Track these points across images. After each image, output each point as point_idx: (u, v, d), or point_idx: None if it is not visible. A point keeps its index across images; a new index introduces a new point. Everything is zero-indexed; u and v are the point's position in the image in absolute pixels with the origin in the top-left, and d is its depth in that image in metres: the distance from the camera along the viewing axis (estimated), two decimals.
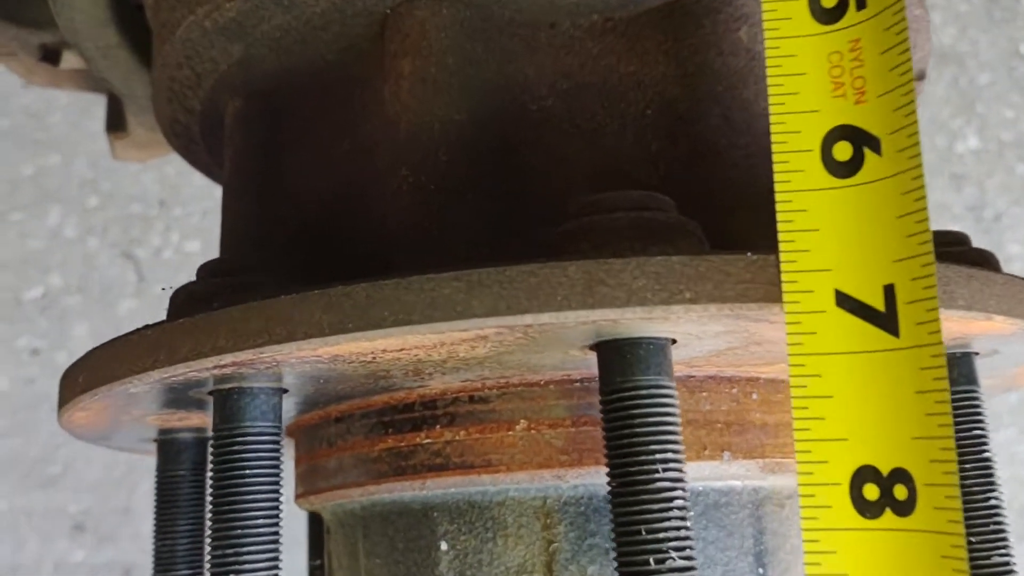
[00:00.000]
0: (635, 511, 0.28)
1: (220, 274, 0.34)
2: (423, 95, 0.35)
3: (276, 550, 0.32)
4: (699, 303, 0.27)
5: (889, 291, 0.27)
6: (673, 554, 0.28)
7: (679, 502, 0.28)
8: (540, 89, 0.37)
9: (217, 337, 0.29)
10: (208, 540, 0.32)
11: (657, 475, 0.28)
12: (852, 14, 0.28)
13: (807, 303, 0.27)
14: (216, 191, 1.23)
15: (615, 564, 0.29)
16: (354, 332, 0.27)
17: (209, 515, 0.32)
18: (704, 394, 0.36)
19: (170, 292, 0.34)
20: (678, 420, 0.30)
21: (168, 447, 0.44)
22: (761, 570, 0.37)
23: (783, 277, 0.27)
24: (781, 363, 0.36)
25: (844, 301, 0.27)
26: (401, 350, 0.29)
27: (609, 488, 0.29)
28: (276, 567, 0.32)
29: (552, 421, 0.35)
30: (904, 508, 0.26)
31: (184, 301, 0.33)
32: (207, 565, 0.32)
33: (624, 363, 0.29)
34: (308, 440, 0.41)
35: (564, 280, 0.27)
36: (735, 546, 0.36)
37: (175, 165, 1.21)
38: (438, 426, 0.36)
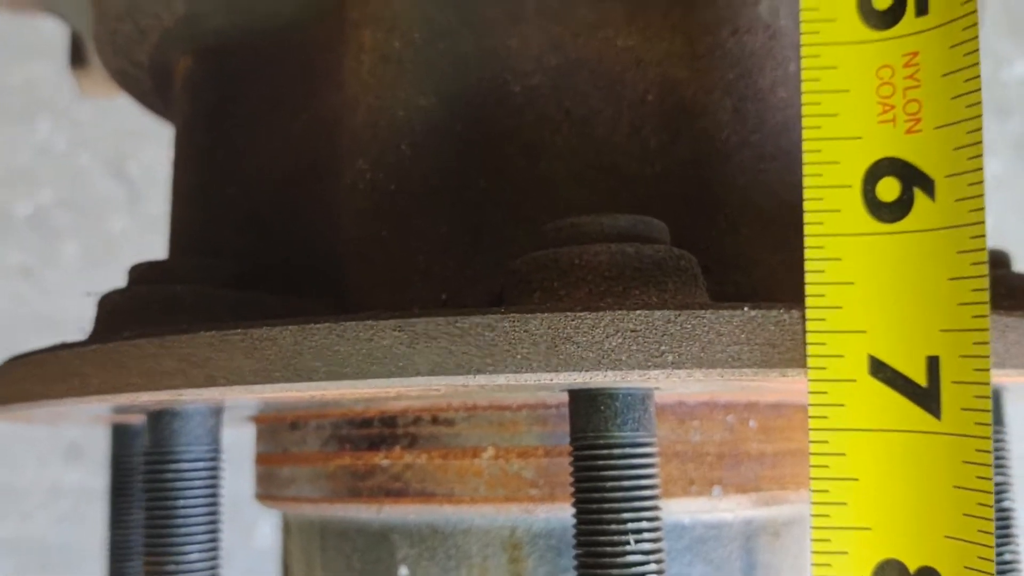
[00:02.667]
0: None
1: (150, 280, 0.30)
2: (384, 75, 0.31)
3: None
4: (682, 368, 0.23)
5: (933, 364, 0.22)
6: None
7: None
8: (525, 64, 0.32)
9: (129, 374, 0.25)
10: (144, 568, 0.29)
11: (628, 548, 0.25)
12: (911, 20, 0.23)
13: (835, 370, 0.23)
14: None
15: None
16: (280, 383, 0.24)
17: (144, 550, 0.29)
18: (695, 423, 0.33)
19: (96, 297, 0.30)
20: (656, 483, 0.26)
21: (121, 432, 0.41)
22: None
23: (808, 338, 0.23)
24: (784, 386, 0.32)
25: (880, 370, 0.23)
26: (339, 393, 0.26)
27: (575, 557, 0.26)
28: None
29: (522, 450, 0.32)
30: None
31: (109, 314, 0.29)
32: None
33: (598, 416, 0.26)
34: (265, 439, 0.38)
35: (524, 336, 0.23)
36: None
37: None
38: (397, 447, 0.33)
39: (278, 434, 0.37)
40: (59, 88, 1.11)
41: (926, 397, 0.23)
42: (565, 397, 0.31)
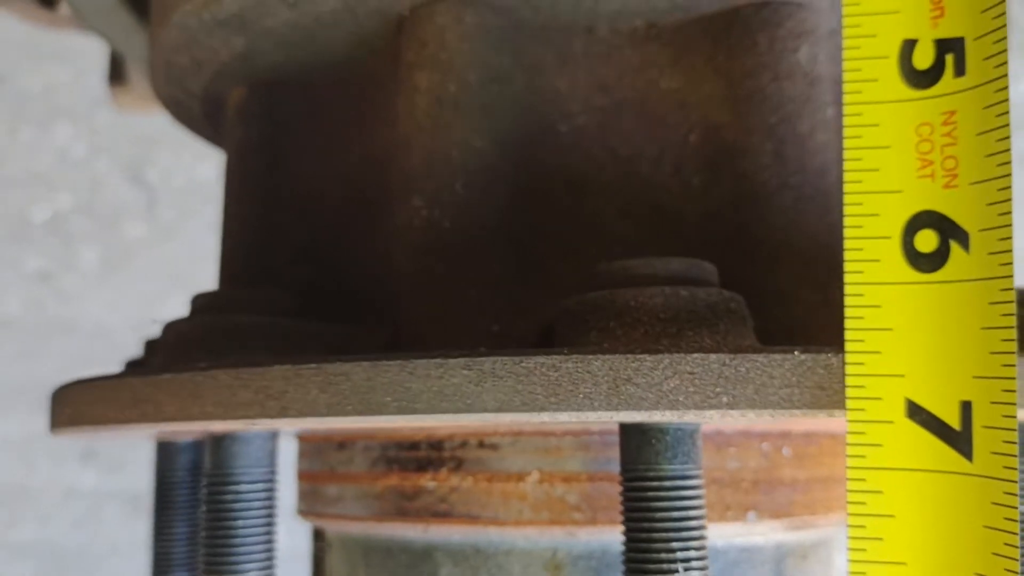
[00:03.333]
0: None
1: (212, 310, 0.31)
2: (440, 116, 0.32)
3: None
4: (737, 408, 0.24)
5: (966, 409, 0.24)
6: None
7: None
8: (572, 105, 0.34)
9: (205, 403, 0.27)
10: None
11: (678, 575, 0.26)
12: (949, 80, 0.24)
13: (874, 411, 0.24)
14: None
15: None
16: (353, 415, 0.25)
17: (202, 564, 0.31)
18: (732, 450, 0.34)
19: (161, 323, 0.31)
20: (703, 513, 0.27)
21: (166, 447, 0.42)
22: None
23: (848, 381, 0.24)
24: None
25: (916, 413, 0.24)
26: (405, 424, 0.27)
27: None
28: None
29: (567, 475, 0.33)
30: None
31: (174, 343, 0.30)
32: None
33: (649, 450, 0.27)
34: (310, 457, 0.39)
35: (587, 377, 0.24)
36: None
37: None
38: (444, 469, 0.34)
39: (324, 453, 0.38)
40: (79, 94, 1.12)
41: (959, 440, 0.24)
42: (610, 424, 0.33)
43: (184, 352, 0.29)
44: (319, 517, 0.38)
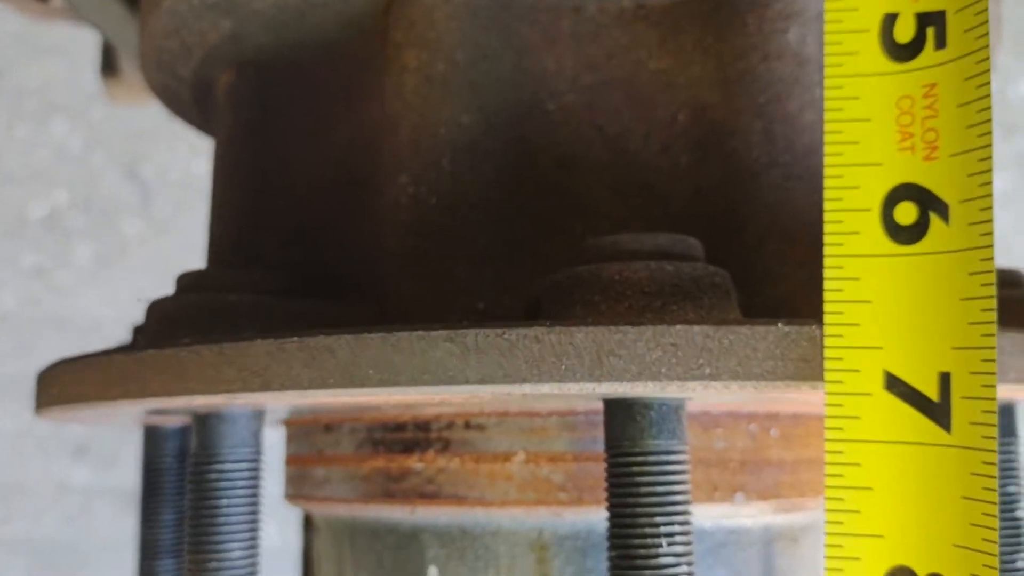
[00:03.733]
0: None
1: (198, 289, 0.31)
2: (428, 95, 0.32)
3: None
4: (719, 380, 0.24)
5: (944, 380, 0.24)
6: None
7: None
8: (560, 84, 0.33)
9: (188, 379, 0.27)
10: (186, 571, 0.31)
11: (661, 551, 0.26)
12: (929, 53, 0.24)
13: (852, 383, 0.24)
14: None
15: None
16: (335, 388, 0.25)
17: (186, 544, 0.31)
18: (719, 431, 0.34)
19: (146, 302, 0.31)
20: (688, 489, 0.27)
21: (153, 433, 0.42)
22: None
23: (827, 353, 0.24)
24: (805, 398, 0.33)
25: (894, 385, 0.24)
26: (386, 400, 0.27)
27: (608, 559, 0.27)
28: None
29: (552, 455, 0.33)
30: None
31: (158, 321, 0.30)
32: None
33: (633, 426, 0.27)
34: (297, 441, 0.39)
35: (570, 349, 0.24)
36: None
37: None
38: (431, 451, 0.34)
39: (311, 436, 0.38)
40: (75, 90, 1.12)
41: (937, 411, 0.24)
42: (595, 404, 0.33)
43: (169, 330, 0.29)
44: (306, 500, 0.38)
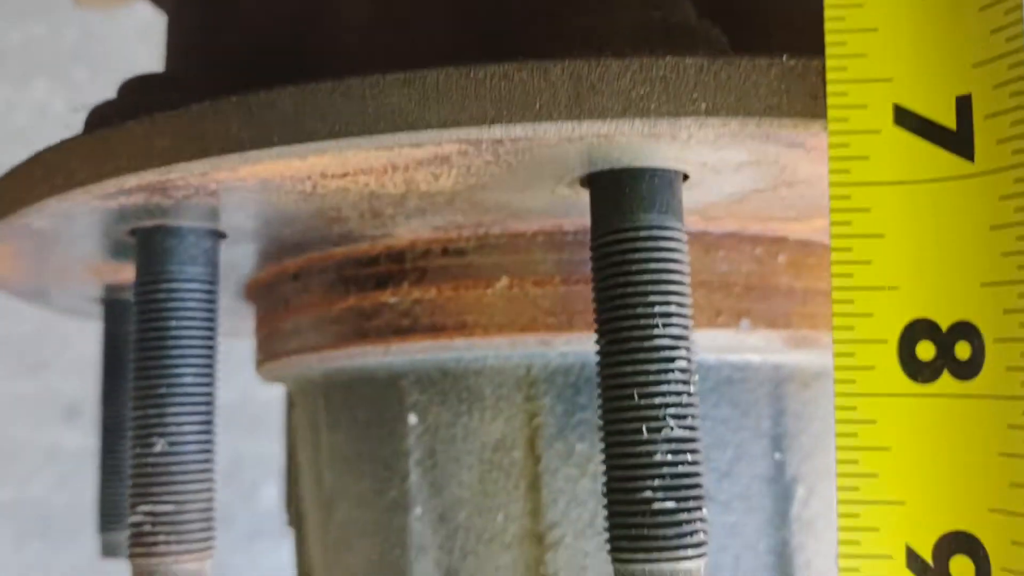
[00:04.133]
0: (627, 372, 0.23)
1: (143, 91, 0.28)
2: None
3: (209, 412, 0.28)
4: (717, 115, 0.21)
5: (963, 104, 0.21)
6: (671, 422, 0.23)
7: (681, 363, 0.23)
8: None
9: (119, 156, 0.24)
10: (131, 400, 0.28)
11: (656, 331, 0.23)
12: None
13: (858, 120, 0.21)
14: None
15: (599, 436, 0.24)
16: (279, 146, 0.22)
17: (133, 371, 0.28)
18: (721, 253, 0.31)
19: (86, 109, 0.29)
20: (686, 270, 0.24)
21: (113, 307, 0.39)
22: (778, 455, 0.32)
23: (829, 88, 0.21)
24: (816, 218, 0.30)
25: (904, 118, 0.21)
26: (345, 176, 0.24)
27: (598, 344, 0.24)
28: (209, 430, 0.27)
29: (538, 278, 0.30)
30: (966, 370, 0.20)
31: (97, 122, 0.27)
32: (130, 428, 0.27)
33: (622, 199, 0.24)
34: (265, 301, 0.36)
35: (544, 85, 0.21)
36: (749, 427, 0.32)
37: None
38: (406, 283, 0.31)
39: (279, 288, 0.35)
40: (56, 49, 1.10)
41: (958, 140, 0.21)
42: (583, 223, 0.30)
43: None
44: (276, 360, 0.35)
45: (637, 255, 0.24)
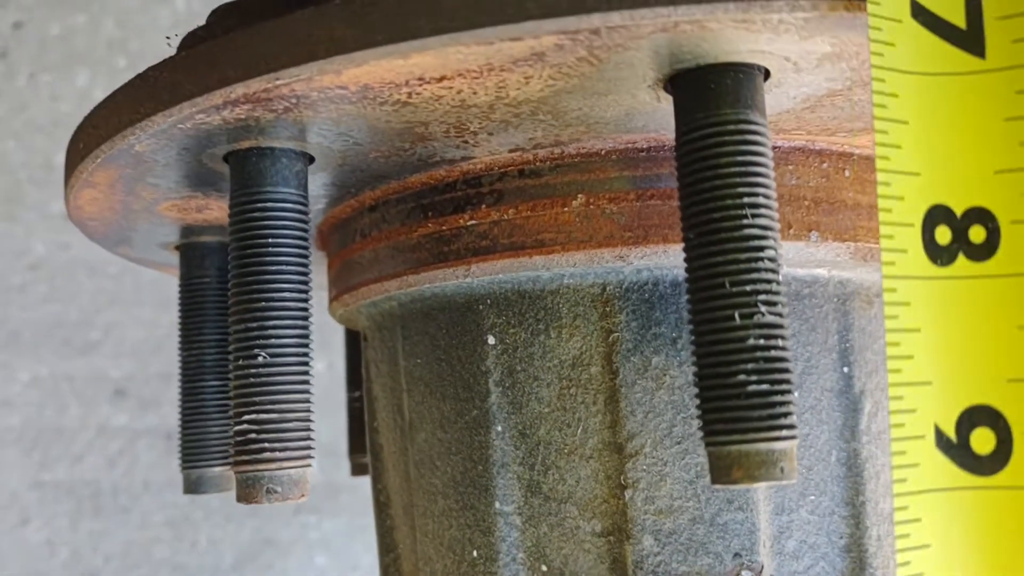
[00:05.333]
0: (718, 261, 0.24)
1: (233, 14, 0.29)
2: None
3: (305, 326, 0.29)
4: None
5: (973, 4, 0.22)
6: (762, 308, 0.23)
7: (770, 252, 0.24)
8: None
9: (224, 67, 0.25)
10: (231, 316, 0.29)
11: (745, 221, 0.24)
12: None
13: (888, 7, 0.22)
14: None
15: (689, 327, 0.25)
16: (385, 45, 0.23)
17: (230, 288, 0.29)
18: (790, 167, 0.32)
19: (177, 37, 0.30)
20: (771, 163, 0.25)
21: (191, 252, 0.40)
22: (846, 368, 0.33)
23: None
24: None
25: (919, 12, 0.22)
26: (441, 80, 0.25)
27: (685, 241, 0.25)
28: (306, 343, 0.29)
29: (613, 195, 0.31)
30: (980, 252, 0.21)
31: (191, 44, 0.29)
32: (232, 342, 0.28)
33: (707, 95, 0.25)
34: (340, 236, 0.37)
35: None
36: (817, 341, 0.32)
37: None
38: (484, 205, 0.32)
39: (355, 222, 0.36)
40: (96, 39, 1.12)
41: (968, 39, 0.22)
42: (656, 138, 0.30)
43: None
44: (352, 292, 0.36)
45: (725, 148, 0.24)
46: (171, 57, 0.27)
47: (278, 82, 0.24)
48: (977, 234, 0.22)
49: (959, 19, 0.22)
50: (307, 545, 0.99)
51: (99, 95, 1.13)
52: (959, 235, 0.22)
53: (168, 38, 0.30)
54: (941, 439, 0.22)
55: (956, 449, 0.22)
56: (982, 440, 0.22)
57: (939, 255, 0.22)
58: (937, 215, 0.22)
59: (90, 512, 1.01)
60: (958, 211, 0.22)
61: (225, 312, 0.40)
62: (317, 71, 0.24)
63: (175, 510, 1.01)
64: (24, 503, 1.01)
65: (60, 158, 1.14)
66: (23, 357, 1.03)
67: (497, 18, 0.22)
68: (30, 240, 1.06)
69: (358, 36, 0.23)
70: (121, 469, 1.02)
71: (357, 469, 0.51)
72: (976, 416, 0.22)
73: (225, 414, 0.39)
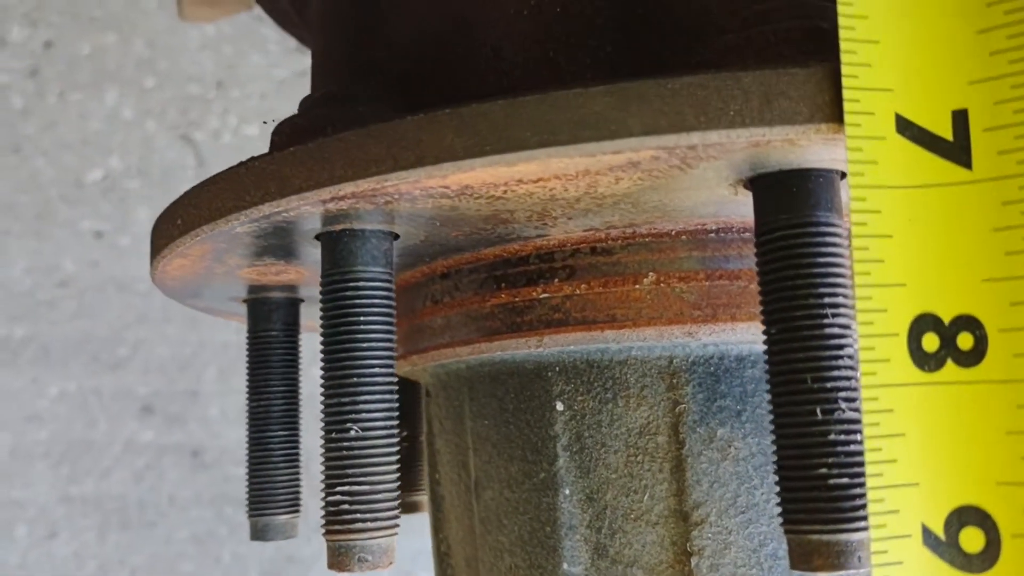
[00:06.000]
0: (799, 358, 0.25)
1: (327, 105, 0.31)
2: None
3: (393, 399, 0.30)
4: None
5: (959, 117, 0.23)
6: (842, 404, 0.25)
7: (849, 350, 0.25)
8: None
9: (334, 166, 0.26)
10: (322, 391, 0.30)
11: (826, 320, 0.25)
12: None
13: (868, 127, 0.23)
14: (275, 72, 1.18)
15: (770, 418, 0.26)
16: (492, 155, 0.24)
17: (322, 364, 0.30)
18: None
19: (271, 123, 0.31)
20: (848, 263, 0.26)
21: (259, 307, 0.42)
22: None
23: (845, 95, 0.23)
24: None
25: (905, 127, 0.23)
26: (538, 181, 0.26)
27: (767, 335, 0.26)
28: (394, 416, 0.30)
29: (683, 274, 0.32)
30: (968, 359, 0.23)
31: (290, 134, 0.30)
32: (323, 416, 0.30)
33: (790, 197, 0.26)
34: (409, 299, 0.39)
35: (738, 93, 0.23)
36: None
37: (233, 44, 1.18)
38: (556, 280, 0.33)
39: (425, 287, 0.37)
40: (125, 58, 1.13)
41: (955, 150, 0.23)
42: (726, 221, 0.32)
43: (305, 140, 0.29)
44: (421, 354, 0.38)
45: (807, 249, 0.26)
46: (275, 152, 0.28)
47: (386, 183, 0.26)
48: (965, 341, 0.23)
49: (946, 131, 0.23)
50: None
51: (127, 114, 1.15)
52: (947, 342, 0.23)
53: (265, 122, 0.32)
54: (929, 537, 0.23)
55: (945, 547, 0.23)
56: (971, 539, 0.23)
57: (926, 361, 0.23)
58: (925, 323, 0.23)
59: (117, 526, 1.02)
60: (946, 319, 0.23)
61: (290, 364, 0.42)
62: (425, 175, 0.25)
63: (200, 525, 1.02)
64: (52, 517, 1.02)
65: (89, 176, 1.15)
66: (52, 372, 1.04)
67: (599, 134, 0.24)
68: (60, 257, 1.07)
69: (467, 145, 0.24)
70: (147, 484, 1.03)
71: (402, 507, 0.52)
72: (965, 516, 0.23)
73: (290, 464, 0.41)
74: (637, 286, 0.32)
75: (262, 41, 1.18)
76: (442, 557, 0.40)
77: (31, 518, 1.03)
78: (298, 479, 0.41)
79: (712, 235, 0.32)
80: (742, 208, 0.29)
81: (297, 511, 0.41)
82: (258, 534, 0.41)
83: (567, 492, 0.34)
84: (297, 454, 0.41)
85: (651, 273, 0.32)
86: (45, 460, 1.04)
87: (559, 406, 0.34)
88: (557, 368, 0.34)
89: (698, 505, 0.32)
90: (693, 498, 0.32)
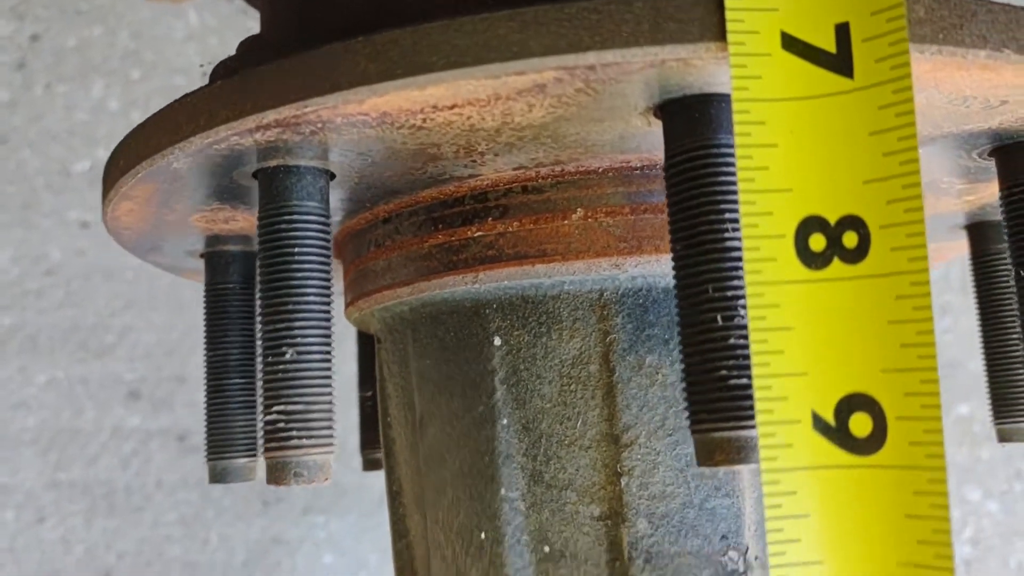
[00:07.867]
0: (702, 270, 0.27)
1: (261, 47, 0.32)
2: None
3: (328, 326, 0.31)
4: None
5: (842, 30, 0.24)
6: (741, 311, 0.26)
7: None
8: None
9: (258, 95, 0.28)
10: (260, 317, 0.32)
11: (727, 235, 0.27)
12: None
13: (752, 44, 0.25)
14: None
15: (677, 328, 0.28)
16: (403, 78, 0.26)
17: (259, 291, 0.32)
18: None
19: (209, 65, 0.32)
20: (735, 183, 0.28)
21: (216, 260, 0.43)
22: None
23: (728, 15, 0.25)
24: None
25: (791, 43, 0.25)
26: (452, 107, 0.28)
27: (673, 252, 0.28)
28: (328, 342, 0.31)
29: (610, 209, 0.34)
30: (853, 256, 0.24)
31: (223, 73, 0.31)
32: (262, 340, 0.31)
33: (692, 122, 0.27)
34: (355, 246, 0.40)
35: (629, 16, 0.25)
36: None
37: (218, 36, 1.19)
38: (490, 218, 0.35)
39: (369, 232, 0.39)
40: (111, 51, 1.15)
41: (838, 61, 0.24)
42: (648, 158, 0.33)
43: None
44: (367, 297, 0.39)
45: (709, 169, 0.27)
46: (207, 85, 0.29)
47: (306, 109, 0.27)
48: (850, 239, 0.24)
49: (829, 44, 0.25)
50: (315, 544, 1.02)
51: (114, 105, 1.17)
52: (833, 241, 0.24)
53: (202, 65, 0.33)
54: (819, 423, 0.24)
55: (835, 432, 0.24)
56: (860, 424, 0.24)
57: (813, 260, 0.25)
58: (811, 225, 0.25)
59: (104, 511, 1.04)
60: (832, 220, 0.24)
61: (247, 316, 0.43)
62: (342, 100, 0.27)
63: (187, 509, 1.04)
64: (40, 502, 1.04)
65: (76, 166, 1.17)
66: (40, 360, 1.06)
67: (503, 55, 0.25)
68: (47, 246, 1.09)
69: (380, 70, 0.26)
70: (134, 469, 1.05)
71: (368, 464, 0.54)
72: (854, 403, 0.24)
73: (248, 410, 0.42)
74: (566, 221, 0.34)
75: (247, 32, 1.19)
76: (394, 496, 0.42)
77: (19, 504, 1.04)
78: (255, 425, 0.42)
79: (637, 171, 0.34)
80: (662, 145, 0.30)
81: (255, 455, 0.42)
82: (217, 477, 0.42)
83: (504, 423, 0.35)
84: (255, 402, 0.43)
85: (579, 209, 0.34)
86: (33, 447, 1.05)
87: (496, 341, 0.36)
88: (494, 305, 0.36)
89: (628, 428, 0.34)
90: (623, 422, 0.34)
